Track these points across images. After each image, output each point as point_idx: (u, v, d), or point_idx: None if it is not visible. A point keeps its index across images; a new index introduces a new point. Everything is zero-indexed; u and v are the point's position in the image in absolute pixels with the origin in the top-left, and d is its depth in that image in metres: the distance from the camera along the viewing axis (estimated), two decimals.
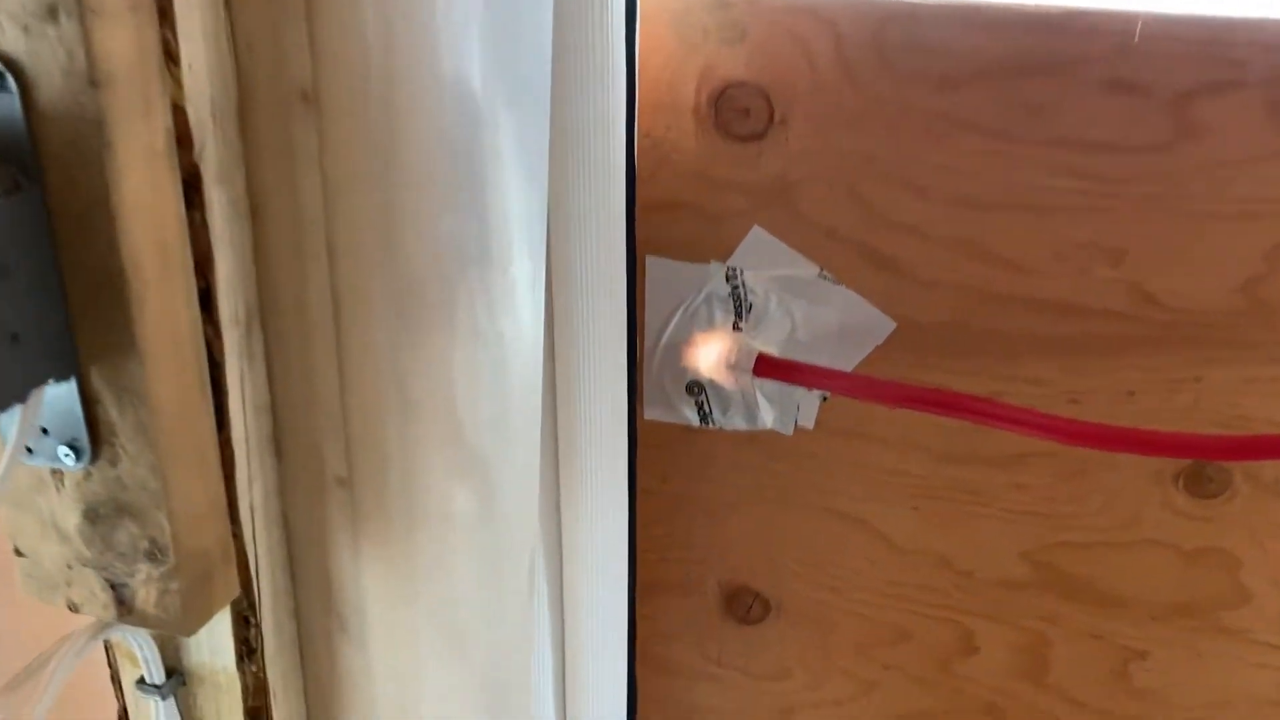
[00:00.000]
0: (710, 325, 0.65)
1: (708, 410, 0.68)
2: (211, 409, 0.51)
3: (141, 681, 0.58)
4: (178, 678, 0.58)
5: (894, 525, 0.68)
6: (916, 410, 0.60)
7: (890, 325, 0.62)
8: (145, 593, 0.51)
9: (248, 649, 0.57)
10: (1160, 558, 0.64)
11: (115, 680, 0.61)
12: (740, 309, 0.64)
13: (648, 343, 0.66)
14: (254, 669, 0.58)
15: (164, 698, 0.58)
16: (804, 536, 0.70)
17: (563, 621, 0.69)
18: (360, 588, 0.58)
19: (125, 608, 0.52)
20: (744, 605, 0.74)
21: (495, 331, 0.54)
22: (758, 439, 0.68)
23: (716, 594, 0.75)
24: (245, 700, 0.58)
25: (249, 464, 0.55)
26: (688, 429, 0.69)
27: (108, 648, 0.61)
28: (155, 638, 0.58)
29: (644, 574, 0.74)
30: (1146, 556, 0.64)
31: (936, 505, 0.66)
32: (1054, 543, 0.65)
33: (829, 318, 0.63)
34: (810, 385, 0.63)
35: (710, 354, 0.66)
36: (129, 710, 0.62)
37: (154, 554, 0.50)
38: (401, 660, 0.58)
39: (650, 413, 0.69)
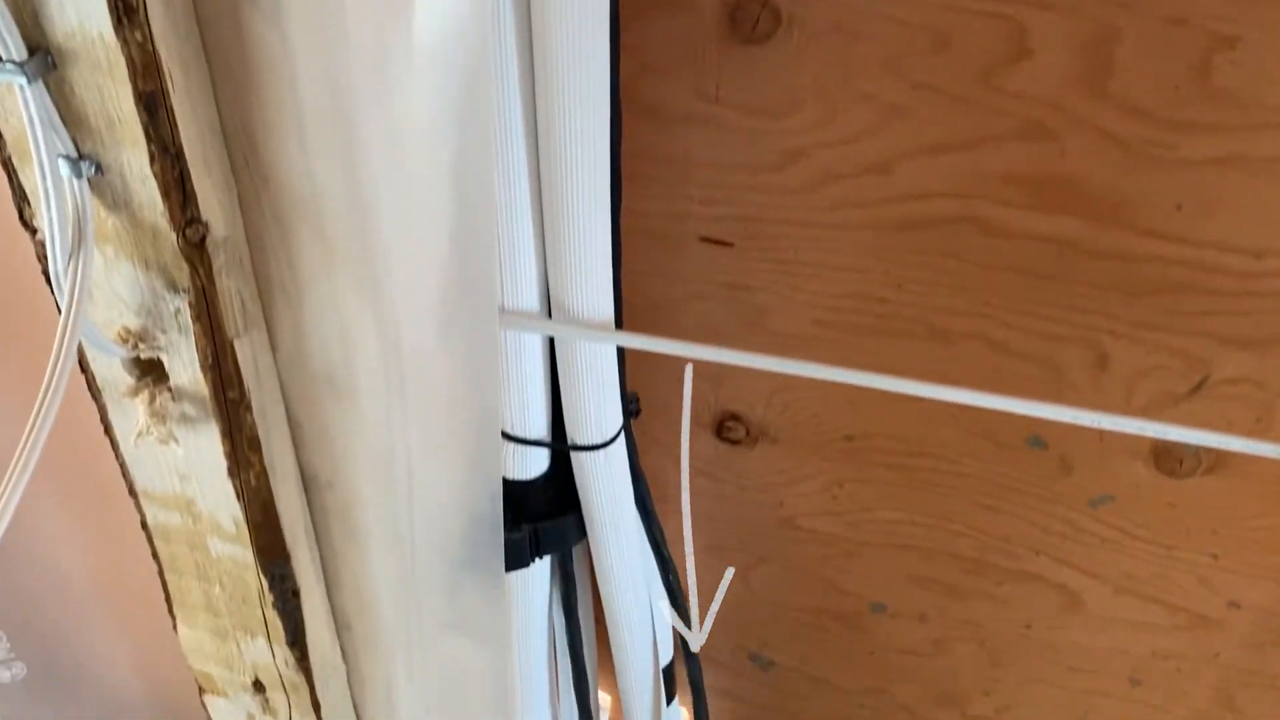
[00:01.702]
0: None
1: None
2: None
3: None
4: (43, 56, 0.46)
5: None
6: None
7: None
8: None
9: (126, 7, 0.44)
10: None
11: None
12: None
13: None
14: (139, 39, 0.45)
15: (30, 80, 0.46)
16: None
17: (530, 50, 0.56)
18: None
19: None
20: (750, 18, 0.61)
21: None
22: None
23: (716, 8, 0.62)
24: (134, 82, 0.46)
25: None
26: None
27: None
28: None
29: None
30: None
31: None
32: None
33: None
34: None
35: None
36: None
37: None
38: (326, 38, 0.45)
39: None
